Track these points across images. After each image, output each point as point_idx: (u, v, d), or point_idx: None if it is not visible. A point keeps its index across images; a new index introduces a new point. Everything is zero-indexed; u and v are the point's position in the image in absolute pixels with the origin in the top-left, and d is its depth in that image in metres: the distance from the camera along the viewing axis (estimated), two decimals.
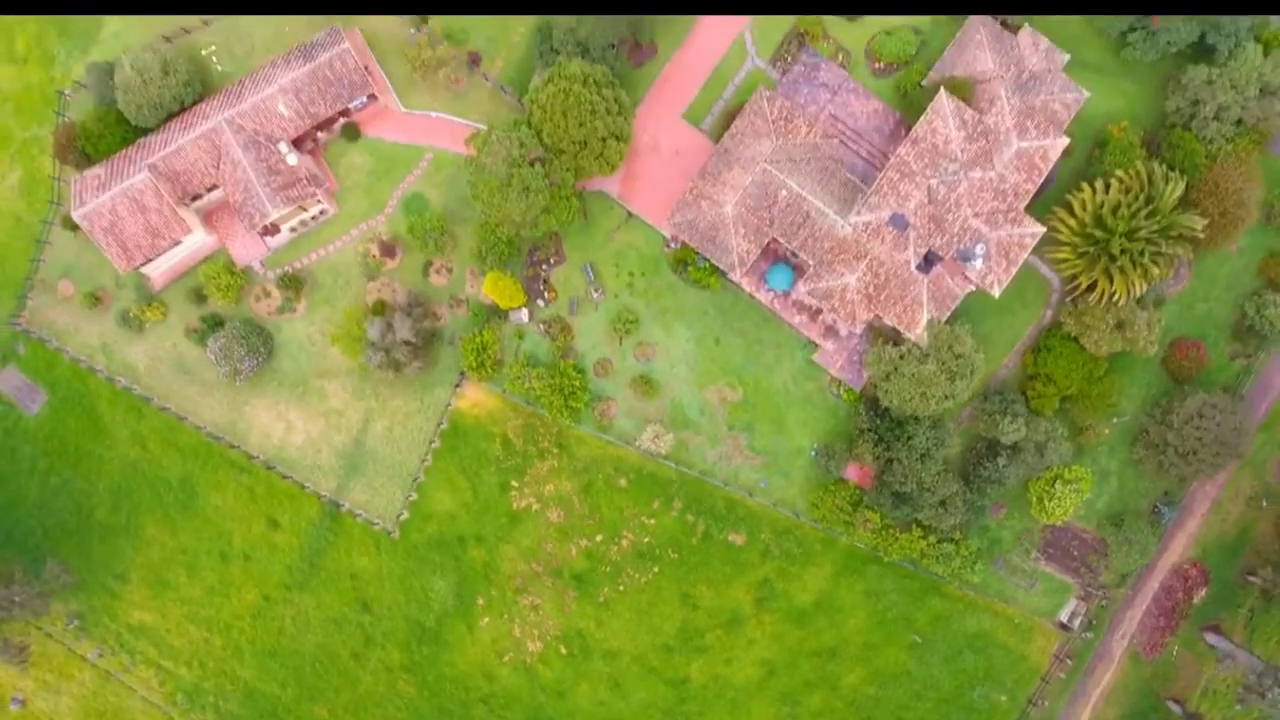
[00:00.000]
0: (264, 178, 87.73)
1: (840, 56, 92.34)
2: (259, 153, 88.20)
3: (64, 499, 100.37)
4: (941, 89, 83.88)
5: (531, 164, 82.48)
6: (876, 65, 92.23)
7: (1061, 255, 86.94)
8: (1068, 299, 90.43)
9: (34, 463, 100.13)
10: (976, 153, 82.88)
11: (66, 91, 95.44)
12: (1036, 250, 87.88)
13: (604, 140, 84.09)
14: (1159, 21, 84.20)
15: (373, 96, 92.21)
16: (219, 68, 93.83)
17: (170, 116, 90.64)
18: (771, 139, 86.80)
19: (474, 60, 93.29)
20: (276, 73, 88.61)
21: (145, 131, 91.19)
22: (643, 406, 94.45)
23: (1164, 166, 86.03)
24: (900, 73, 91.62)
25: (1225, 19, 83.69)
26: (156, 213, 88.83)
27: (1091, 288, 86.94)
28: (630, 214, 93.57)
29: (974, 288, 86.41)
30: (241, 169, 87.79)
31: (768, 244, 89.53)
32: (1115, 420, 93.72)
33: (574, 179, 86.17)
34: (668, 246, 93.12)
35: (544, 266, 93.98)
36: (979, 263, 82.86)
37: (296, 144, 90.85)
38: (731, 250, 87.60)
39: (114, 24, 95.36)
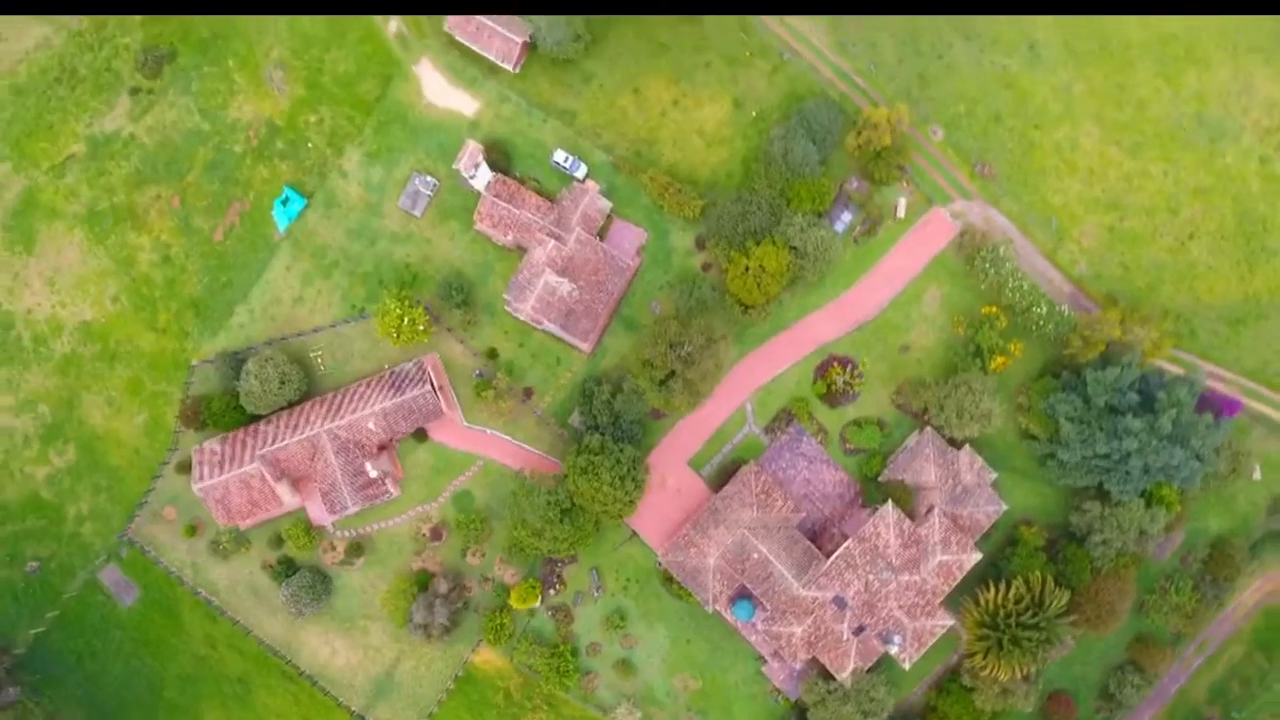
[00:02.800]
0: (349, 479, 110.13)
1: (820, 435, 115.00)
2: (348, 457, 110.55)
3: (141, 678, 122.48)
4: (889, 502, 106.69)
5: (561, 518, 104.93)
6: (847, 446, 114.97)
7: (966, 636, 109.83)
8: (968, 659, 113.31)
9: (121, 645, 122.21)
10: (908, 559, 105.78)
11: (195, 364, 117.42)
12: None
13: (616, 502, 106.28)
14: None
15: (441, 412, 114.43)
16: (323, 369, 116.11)
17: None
18: (753, 510, 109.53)
19: (527, 394, 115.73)
20: (370, 396, 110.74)
21: (257, 417, 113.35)
22: (621, 684, 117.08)
23: (1054, 579, 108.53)
24: (864, 457, 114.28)
25: (1127, 477, 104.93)
26: (260, 491, 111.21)
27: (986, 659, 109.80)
28: (634, 533, 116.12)
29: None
30: (332, 469, 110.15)
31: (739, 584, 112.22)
32: None
33: (593, 525, 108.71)
34: (659, 564, 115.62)
35: (559, 564, 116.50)
36: (895, 646, 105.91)
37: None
38: (708, 589, 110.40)
39: (241, 315, 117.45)
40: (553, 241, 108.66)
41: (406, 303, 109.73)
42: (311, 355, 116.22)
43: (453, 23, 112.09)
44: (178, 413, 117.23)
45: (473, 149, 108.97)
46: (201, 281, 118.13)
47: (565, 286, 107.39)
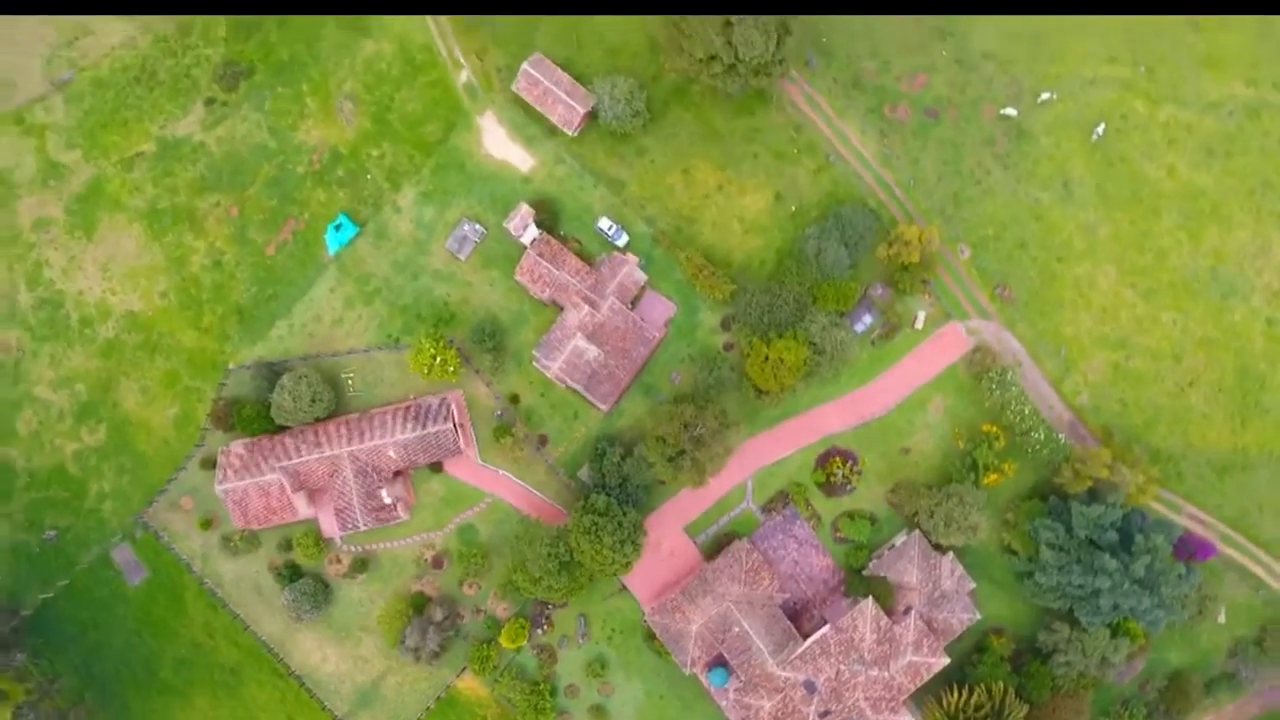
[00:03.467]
0: (363, 501, 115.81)
1: (813, 521, 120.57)
2: (365, 480, 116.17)
3: (139, 655, 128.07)
4: (870, 598, 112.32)
5: (559, 570, 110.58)
6: (838, 535, 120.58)
7: None
8: None
9: (124, 621, 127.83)
10: (880, 654, 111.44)
11: (232, 368, 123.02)
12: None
13: (614, 563, 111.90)
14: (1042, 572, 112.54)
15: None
16: (352, 391, 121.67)
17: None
18: (740, 585, 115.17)
19: (542, 441, 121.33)
20: (394, 425, 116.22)
21: (285, 427, 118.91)
22: None
23: (1016, 691, 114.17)
24: (852, 548, 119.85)
25: (1097, 609, 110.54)
26: (277, 499, 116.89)
27: None
28: (625, 587, 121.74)
29: None
30: (349, 490, 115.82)
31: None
32: None
33: (588, 578, 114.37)
34: (645, 621, 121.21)
35: (549, 606, 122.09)
36: None
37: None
38: (688, 653, 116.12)
39: (281, 328, 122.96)
40: (587, 307, 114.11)
41: (441, 343, 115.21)
42: (343, 376, 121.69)
43: (521, 85, 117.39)
44: (209, 411, 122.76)
45: (525, 212, 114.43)
46: (248, 290, 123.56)
47: (593, 352, 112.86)
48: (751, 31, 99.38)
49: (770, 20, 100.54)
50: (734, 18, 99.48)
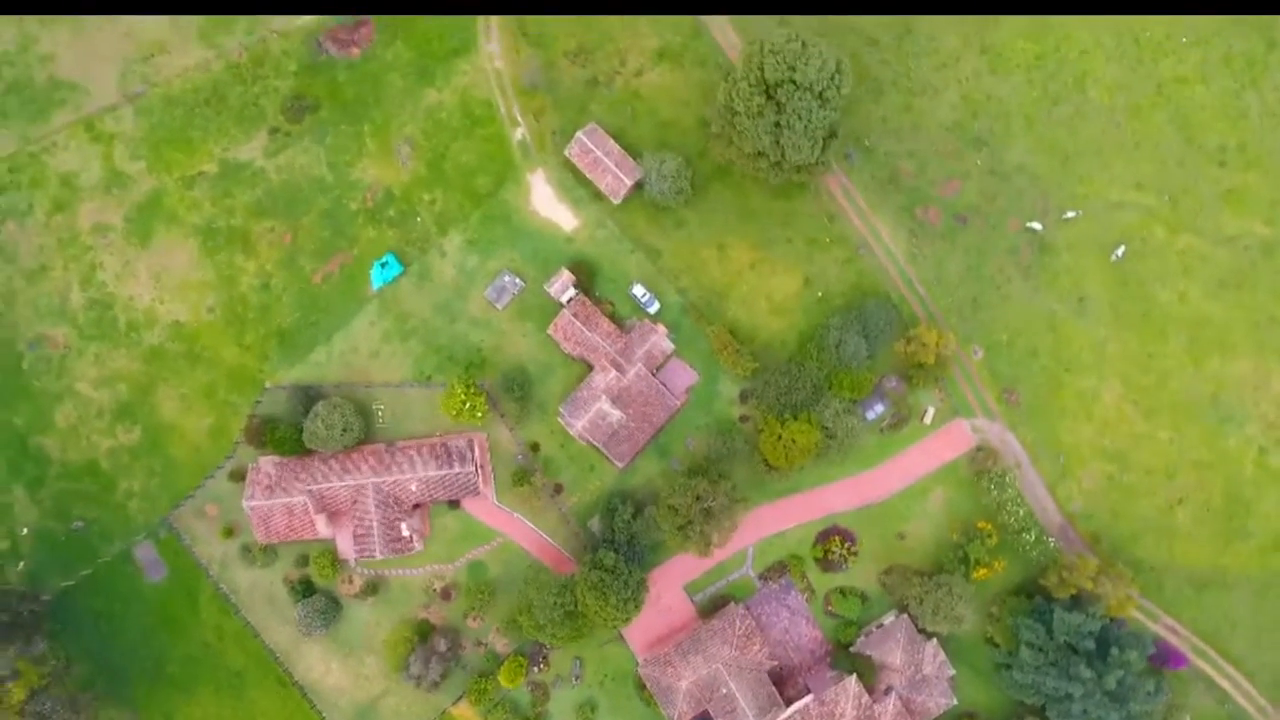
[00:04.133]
0: (383, 531, 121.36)
1: (807, 593, 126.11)
2: (386, 512, 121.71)
3: (150, 649, 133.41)
4: (854, 675, 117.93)
5: (563, 619, 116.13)
6: (829, 609, 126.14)
7: None
8: None
9: (140, 617, 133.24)
10: None
11: (269, 387, 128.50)
12: None
13: (616, 619, 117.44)
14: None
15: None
16: (381, 422, 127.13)
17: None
18: (731, 649, 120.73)
19: (557, 489, 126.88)
20: (419, 461, 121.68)
21: (312, 451, 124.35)
22: None
23: None
24: (841, 624, 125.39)
25: (1068, 713, 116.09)
26: (300, 519, 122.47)
27: None
28: (621, 636, 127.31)
29: None
30: (370, 519, 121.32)
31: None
32: None
33: (590, 628, 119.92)
34: (637, 671, 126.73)
35: (548, 646, 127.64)
36: None
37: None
38: (675, 707, 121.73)
39: (320, 354, 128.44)
40: (615, 372, 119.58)
41: (472, 389, 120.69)
42: (375, 407, 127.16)
43: (574, 151, 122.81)
44: (242, 427, 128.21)
45: (566, 278, 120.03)
46: (292, 315, 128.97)
47: (616, 416, 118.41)
48: (800, 139, 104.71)
49: (819, 127, 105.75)
50: (783, 121, 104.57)
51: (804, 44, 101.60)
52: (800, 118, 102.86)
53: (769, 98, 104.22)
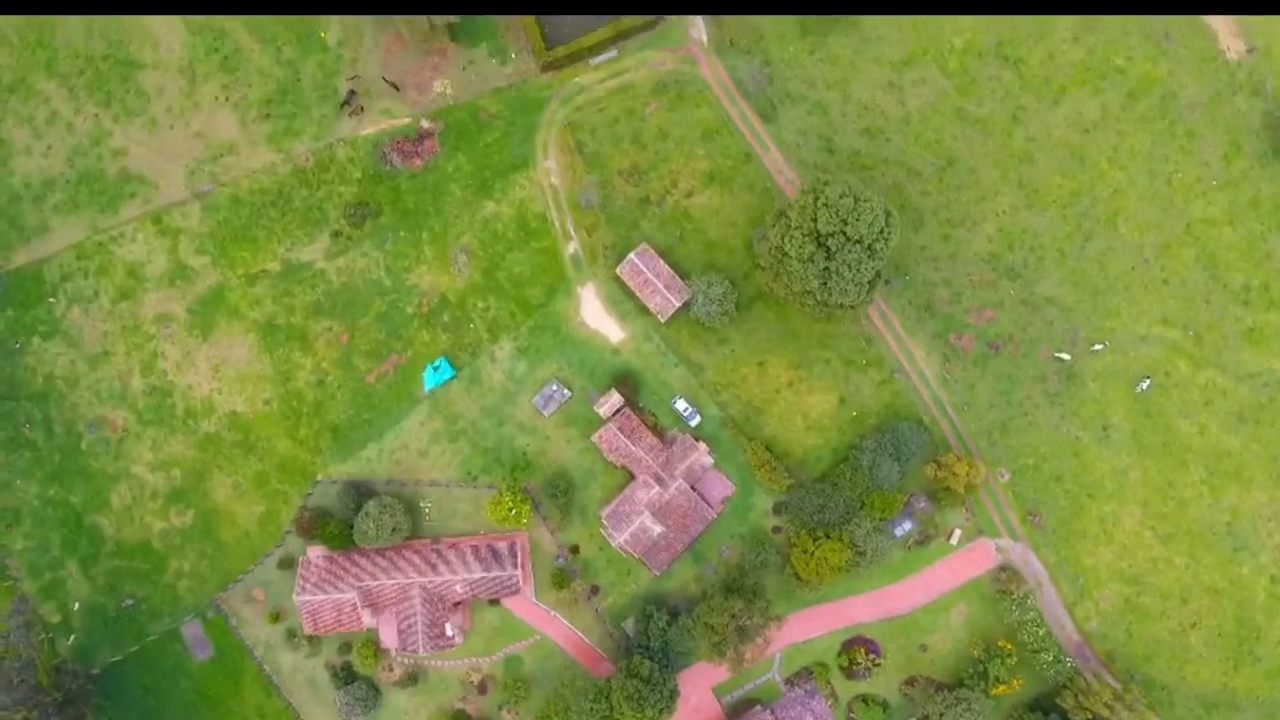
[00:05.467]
0: (427, 628, 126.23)
1: (831, 699, 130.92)
2: (431, 610, 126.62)
3: None
4: None
5: None
6: (851, 715, 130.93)
7: None
8: None
9: (184, 693, 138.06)
10: None
11: (320, 480, 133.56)
12: None
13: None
14: None
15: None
16: (428, 519, 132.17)
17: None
18: None
19: (594, 590, 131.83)
20: (464, 562, 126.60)
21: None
22: None
23: None
24: None
25: None
26: (348, 614, 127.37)
27: None
28: None
29: None
30: (415, 615, 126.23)
31: None
32: None
33: None
34: None
35: None
36: None
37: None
38: None
39: (371, 451, 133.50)
40: (657, 486, 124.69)
41: (518, 496, 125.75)
42: (422, 505, 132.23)
43: (625, 270, 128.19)
44: (294, 517, 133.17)
45: (615, 400, 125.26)
46: (346, 412, 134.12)
47: (657, 530, 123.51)
48: (848, 284, 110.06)
49: (866, 271, 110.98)
50: (832, 269, 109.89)
51: (856, 199, 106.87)
52: (850, 268, 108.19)
53: (819, 245, 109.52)
